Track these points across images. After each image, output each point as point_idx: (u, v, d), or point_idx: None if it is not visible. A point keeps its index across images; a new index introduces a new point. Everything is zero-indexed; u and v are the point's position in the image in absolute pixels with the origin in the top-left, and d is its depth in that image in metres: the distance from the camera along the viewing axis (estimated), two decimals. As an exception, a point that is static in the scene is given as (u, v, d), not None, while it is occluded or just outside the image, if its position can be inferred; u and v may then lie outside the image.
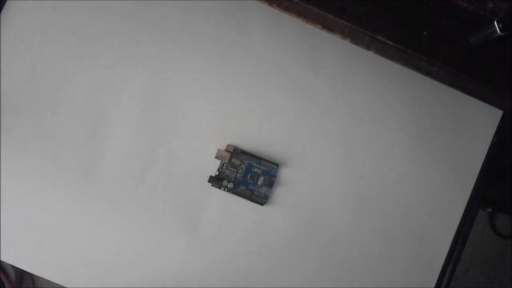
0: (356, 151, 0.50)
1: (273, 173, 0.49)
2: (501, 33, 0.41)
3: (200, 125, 0.49)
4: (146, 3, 0.49)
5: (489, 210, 1.00)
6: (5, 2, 0.48)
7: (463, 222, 0.50)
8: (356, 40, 0.46)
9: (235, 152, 0.48)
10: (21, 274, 0.91)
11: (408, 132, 0.50)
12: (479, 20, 0.45)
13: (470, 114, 0.50)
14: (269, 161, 0.49)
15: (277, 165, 0.49)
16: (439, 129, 0.50)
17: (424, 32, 0.45)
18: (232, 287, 0.49)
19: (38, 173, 0.48)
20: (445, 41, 0.45)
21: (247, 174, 0.49)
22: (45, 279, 0.48)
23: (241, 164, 0.49)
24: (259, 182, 0.48)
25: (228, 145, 0.49)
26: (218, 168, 0.49)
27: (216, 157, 0.48)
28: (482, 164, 0.50)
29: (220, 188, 0.48)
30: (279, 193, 0.49)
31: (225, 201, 0.49)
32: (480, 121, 0.50)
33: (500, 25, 0.41)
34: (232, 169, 0.49)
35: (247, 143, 0.49)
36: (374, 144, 0.50)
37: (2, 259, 0.48)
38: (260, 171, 0.49)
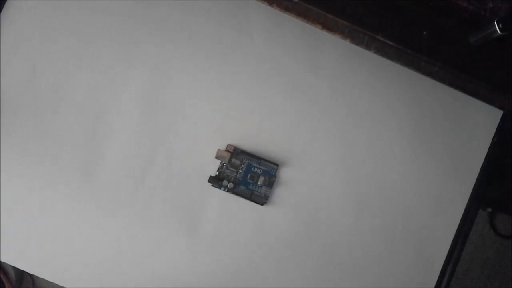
0: (356, 151, 0.50)
1: (273, 173, 0.49)
2: (501, 33, 0.41)
3: (200, 125, 0.49)
4: (146, 3, 0.49)
5: (489, 210, 1.00)
6: (5, 2, 0.48)
7: (463, 222, 0.50)
8: (356, 40, 0.46)
9: (235, 152, 0.48)
10: (21, 274, 0.91)
11: (408, 132, 0.50)
12: (479, 20, 0.45)
13: (470, 114, 0.50)
14: (269, 161, 0.49)
15: (277, 165, 0.49)
16: (439, 129, 0.50)
17: (424, 32, 0.45)
18: (232, 287, 0.49)
19: (38, 173, 0.48)
20: (445, 41, 0.45)
21: (247, 174, 0.49)
22: (45, 279, 0.48)
23: (241, 164, 0.49)
24: (259, 182, 0.48)
25: (228, 145, 0.49)
26: (218, 168, 0.49)
27: (216, 157, 0.48)
28: (482, 164, 0.50)
29: (220, 188, 0.48)
30: (279, 193, 0.49)
31: (225, 201, 0.49)
32: (480, 121, 0.50)
33: (500, 25, 0.41)
34: (232, 169, 0.49)
35: (247, 143, 0.49)
36: (374, 144, 0.50)
37: (2, 259, 0.48)
38: (260, 171, 0.49)
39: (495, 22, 0.41)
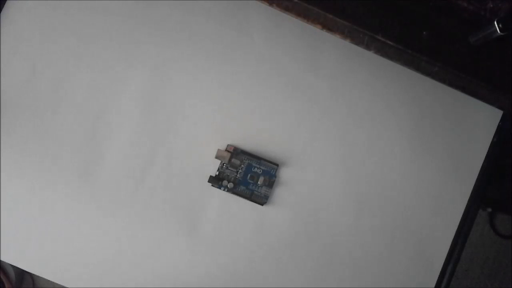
0: (356, 151, 0.50)
1: (273, 173, 0.49)
2: (501, 33, 0.41)
3: (200, 125, 0.49)
4: (146, 3, 0.49)
5: (489, 210, 1.00)
6: (5, 2, 0.48)
7: (463, 222, 0.50)
8: (356, 40, 0.46)
9: (235, 152, 0.48)
10: (21, 274, 0.91)
11: (408, 132, 0.50)
12: (479, 20, 0.45)
13: (470, 114, 0.50)
14: (269, 161, 0.49)
15: (277, 165, 0.49)
16: (439, 129, 0.50)
17: (424, 32, 0.45)
18: (232, 287, 0.49)
19: (38, 173, 0.48)
20: (445, 41, 0.45)
21: (247, 174, 0.49)
22: (45, 279, 0.48)
23: (241, 164, 0.49)
24: (259, 182, 0.48)
25: (228, 145, 0.49)
26: (218, 168, 0.49)
27: (216, 157, 0.48)
28: (482, 164, 0.50)
29: (220, 188, 0.48)
30: (279, 193, 0.49)
31: (225, 201, 0.49)
32: (480, 121, 0.50)
33: (500, 25, 0.41)
34: (232, 169, 0.49)
35: (247, 143, 0.49)
36: (374, 144, 0.50)
37: (2, 259, 0.48)
38: (260, 171, 0.49)
39: (495, 22, 0.41)
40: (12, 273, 0.87)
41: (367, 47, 0.46)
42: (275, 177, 0.49)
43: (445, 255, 0.49)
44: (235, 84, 0.49)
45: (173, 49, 0.49)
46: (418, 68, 0.46)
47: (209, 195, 0.49)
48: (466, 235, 0.50)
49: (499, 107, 0.49)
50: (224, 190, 0.48)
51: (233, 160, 0.48)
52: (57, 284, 0.48)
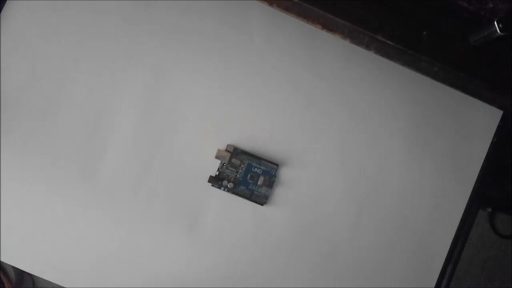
0: (356, 151, 0.50)
1: (273, 173, 0.49)
2: (501, 33, 0.41)
3: (200, 125, 0.49)
4: (146, 4, 0.49)
5: (489, 210, 1.00)
6: (5, 2, 0.48)
7: (463, 222, 0.50)
8: (356, 40, 0.46)
9: (235, 152, 0.48)
10: (21, 274, 0.91)
11: (408, 132, 0.50)
12: (479, 20, 0.45)
13: (470, 114, 0.50)
14: (269, 161, 0.49)
15: (277, 165, 0.49)
16: (439, 129, 0.50)
17: (424, 32, 0.45)
18: (232, 287, 0.49)
19: (38, 173, 0.48)
20: (445, 41, 0.45)
21: (247, 174, 0.49)
22: (45, 279, 0.48)
23: (241, 164, 0.49)
24: (259, 182, 0.48)
25: (228, 145, 0.49)
26: (218, 168, 0.49)
27: (216, 157, 0.48)
28: (482, 164, 0.50)
29: (220, 188, 0.48)
30: (279, 193, 0.49)
31: (225, 201, 0.49)
32: (480, 121, 0.50)
33: (500, 25, 0.41)
34: (232, 169, 0.49)
35: (247, 143, 0.49)
36: (374, 144, 0.50)
37: (2, 260, 0.48)
38: (260, 171, 0.49)
39: (495, 22, 0.41)
40: (12, 273, 0.87)
41: (367, 47, 0.46)
42: (275, 177, 0.49)
43: (445, 255, 0.49)
44: (235, 84, 0.49)
45: (173, 50, 0.49)
46: (418, 68, 0.46)
47: (209, 195, 0.49)
48: (466, 235, 0.50)
49: (499, 107, 0.49)
50: (224, 190, 0.48)
51: (233, 160, 0.48)
52: (57, 284, 0.48)
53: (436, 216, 0.50)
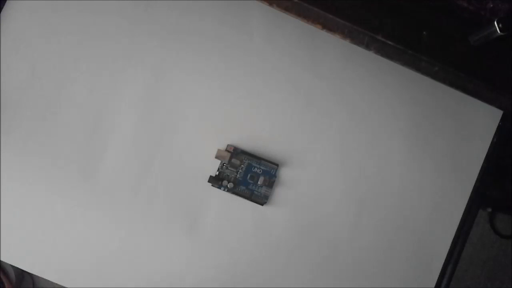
0: (356, 151, 0.50)
1: (273, 173, 0.49)
2: (501, 33, 0.41)
3: (200, 125, 0.49)
4: (146, 4, 0.49)
5: (489, 210, 1.00)
6: (5, 2, 0.48)
7: (463, 222, 0.50)
8: (356, 40, 0.46)
9: (235, 152, 0.48)
10: (21, 274, 0.91)
11: (408, 132, 0.50)
12: (479, 20, 0.45)
13: (470, 114, 0.50)
14: (269, 161, 0.49)
15: (277, 165, 0.49)
16: (439, 129, 0.50)
17: (424, 32, 0.45)
18: (232, 287, 0.49)
19: (38, 173, 0.48)
20: (445, 41, 0.45)
21: (247, 174, 0.49)
22: (45, 279, 0.48)
23: (241, 164, 0.49)
24: (259, 182, 0.48)
25: (228, 145, 0.49)
26: (218, 168, 0.49)
27: (216, 157, 0.48)
28: (482, 164, 0.50)
29: (220, 188, 0.48)
30: (279, 193, 0.49)
31: (225, 201, 0.49)
32: (480, 121, 0.50)
33: (500, 25, 0.41)
34: (232, 169, 0.49)
35: (247, 143, 0.49)
36: (374, 144, 0.50)
37: (2, 259, 0.48)
38: (260, 171, 0.49)
39: (495, 22, 0.41)
40: (12, 273, 0.87)
41: (367, 47, 0.46)
42: (275, 177, 0.49)
43: (445, 255, 0.49)
44: (235, 84, 0.49)
45: (173, 50, 0.49)
46: (418, 68, 0.46)
47: (209, 195, 0.49)
48: (466, 235, 0.50)
49: (499, 107, 0.49)
50: (224, 190, 0.48)
51: (233, 160, 0.48)
52: (57, 284, 0.48)
53: (436, 216, 0.50)
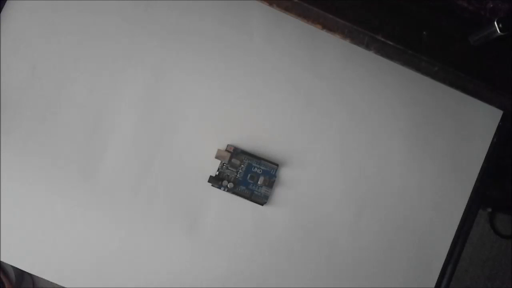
0: (356, 151, 0.50)
1: (273, 173, 0.49)
2: (501, 33, 0.41)
3: (200, 125, 0.49)
4: (146, 4, 0.49)
5: (489, 210, 1.00)
6: (5, 2, 0.48)
7: (463, 222, 0.50)
8: (356, 40, 0.46)
9: (235, 152, 0.48)
10: (21, 274, 0.91)
11: (408, 132, 0.50)
12: (479, 20, 0.45)
13: (470, 114, 0.50)
14: (269, 161, 0.49)
15: (277, 165, 0.49)
16: (439, 129, 0.50)
17: (424, 32, 0.45)
18: (232, 287, 0.49)
19: (38, 173, 0.48)
20: (445, 41, 0.45)
21: (247, 174, 0.49)
22: (45, 279, 0.48)
23: (241, 164, 0.49)
24: (259, 182, 0.48)
25: (228, 145, 0.49)
26: (218, 168, 0.49)
27: (216, 157, 0.48)
28: (482, 164, 0.50)
29: (220, 188, 0.48)
30: (279, 193, 0.49)
31: (225, 201, 0.49)
32: (480, 121, 0.50)
33: (500, 25, 0.41)
34: (232, 169, 0.49)
35: (247, 143, 0.49)
36: (374, 144, 0.50)
37: (2, 259, 0.48)
38: (260, 171, 0.49)
39: (495, 22, 0.41)
40: (12, 273, 0.87)
41: (367, 47, 0.46)
42: (275, 177, 0.49)
43: (445, 255, 0.49)
44: (235, 84, 0.49)
45: (173, 50, 0.49)
46: (418, 68, 0.46)
47: (209, 195, 0.49)
48: (466, 235, 0.50)
49: (499, 107, 0.49)
50: (224, 190, 0.48)
51: (233, 160, 0.48)
52: (57, 284, 0.48)
53: (436, 216, 0.50)
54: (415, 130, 0.50)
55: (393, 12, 0.45)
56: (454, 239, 0.49)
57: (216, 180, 0.48)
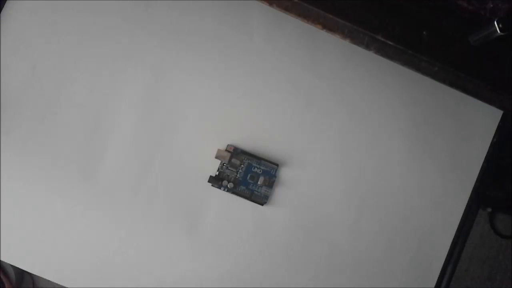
0: (356, 151, 0.50)
1: (273, 173, 0.49)
2: (501, 33, 0.41)
3: (200, 125, 0.49)
4: (146, 4, 0.49)
5: (489, 210, 1.00)
6: (5, 2, 0.48)
7: (463, 222, 0.50)
8: (356, 40, 0.46)
9: (235, 152, 0.48)
10: (21, 274, 0.91)
11: (408, 132, 0.50)
12: (479, 20, 0.45)
13: (470, 114, 0.50)
14: (269, 161, 0.49)
15: (277, 165, 0.49)
16: (439, 129, 0.50)
17: (424, 32, 0.45)
18: (232, 287, 0.49)
19: (38, 173, 0.48)
20: (445, 41, 0.45)
21: (247, 174, 0.49)
22: (45, 279, 0.48)
23: (241, 164, 0.49)
24: (259, 182, 0.48)
25: (228, 145, 0.49)
26: (218, 168, 0.49)
27: (216, 157, 0.48)
28: (482, 164, 0.50)
29: (220, 188, 0.48)
30: (279, 193, 0.49)
31: (225, 201, 0.49)
32: (480, 121, 0.50)
33: (500, 25, 0.41)
34: (232, 169, 0.49)
35: (247, 143, 0.49)
36: (374, 144, 0.50)
37: (2, 259, 0.48)
38: (260, 171, 0.49)
39: (495, 22, 0.41)
40: (12, 273, 0.87)
41: (367, 47, 0.46)
42: (275, 177, 0.49)
43: (445, 255, 0.49)
44: (235, 84, 0.49)
45: (173, 50, 0.49)
46: (418, 68, 0.46)
47: (209, 195, 0.49)
48: (466, 235, 0.50)
49: (499, 107, 0.49)
50: (224, 190, 0.48)
51: (233, 160, 0.48)
52: (57, 284, 0.48)
53: (436, 216, 0.50)
54: (415, 130, 0.50)
55: (393, 12, 0.45)
56: (454, 239, 0.49)
57: (216, 180, 0.48)
